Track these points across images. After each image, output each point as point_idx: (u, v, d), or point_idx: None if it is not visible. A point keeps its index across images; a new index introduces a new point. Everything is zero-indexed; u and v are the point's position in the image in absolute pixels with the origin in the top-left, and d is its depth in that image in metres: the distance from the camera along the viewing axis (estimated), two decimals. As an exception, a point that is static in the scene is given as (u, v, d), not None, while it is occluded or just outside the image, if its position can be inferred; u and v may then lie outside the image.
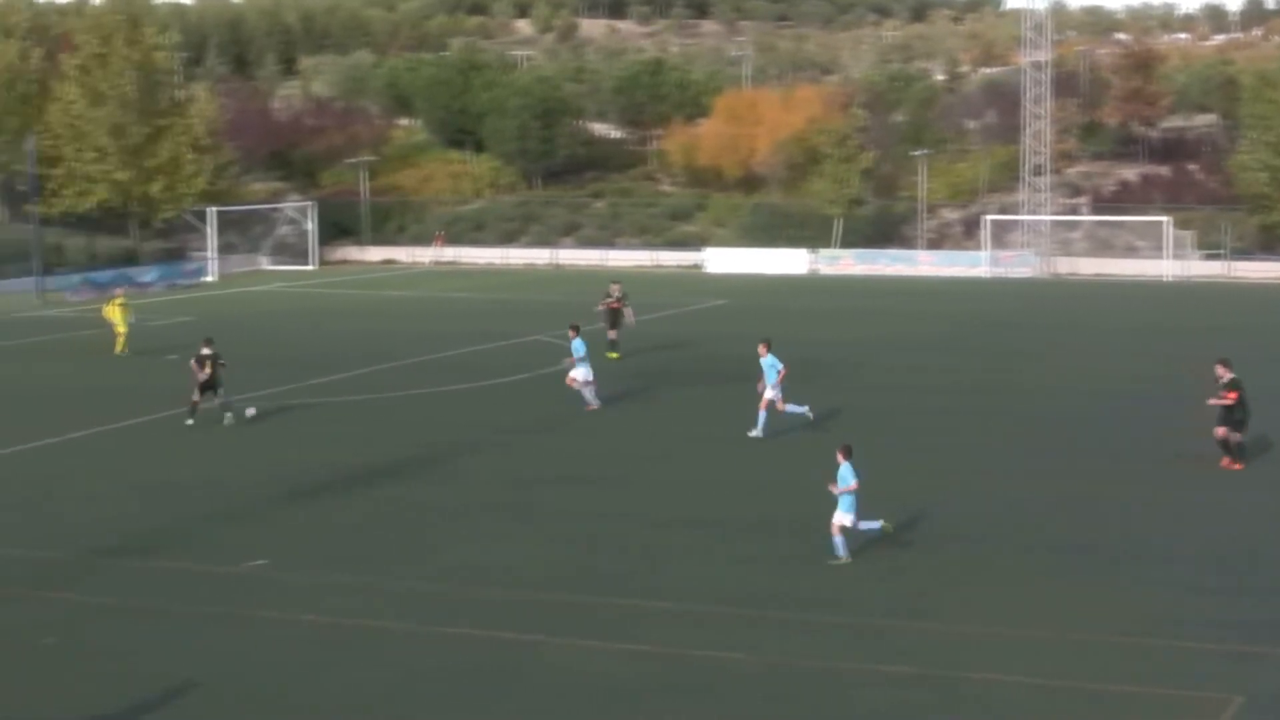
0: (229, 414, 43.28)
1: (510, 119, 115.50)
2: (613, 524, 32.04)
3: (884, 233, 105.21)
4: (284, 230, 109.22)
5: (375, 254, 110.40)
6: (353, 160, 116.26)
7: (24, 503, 34.54)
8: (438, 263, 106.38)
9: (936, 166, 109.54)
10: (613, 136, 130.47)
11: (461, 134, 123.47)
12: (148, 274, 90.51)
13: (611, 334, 56.75)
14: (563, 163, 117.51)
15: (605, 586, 27.25)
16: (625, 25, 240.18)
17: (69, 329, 67.59)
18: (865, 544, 29.38)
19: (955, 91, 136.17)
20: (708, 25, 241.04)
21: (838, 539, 28.48)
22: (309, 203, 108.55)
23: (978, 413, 45.44)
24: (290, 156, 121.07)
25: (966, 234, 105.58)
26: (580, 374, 44.75)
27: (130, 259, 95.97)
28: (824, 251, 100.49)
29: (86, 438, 41.74)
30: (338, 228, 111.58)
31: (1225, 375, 36.99)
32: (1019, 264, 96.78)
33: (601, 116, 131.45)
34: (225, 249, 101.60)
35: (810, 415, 41.01)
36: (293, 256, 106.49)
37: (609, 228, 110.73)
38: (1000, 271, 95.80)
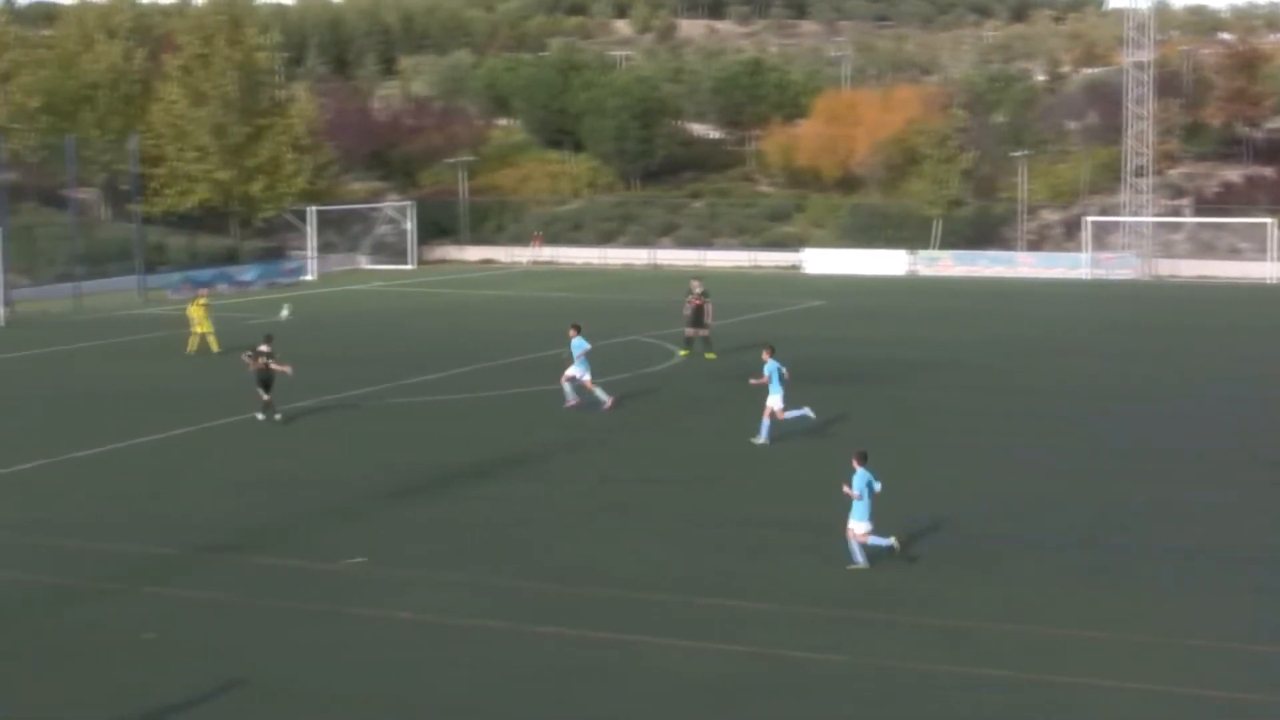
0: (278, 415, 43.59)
1: (609, 119, 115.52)
2: (710, 524, 31.95)
3: (983, 234, 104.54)
4: (383, 230, 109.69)
5: (473, 254, 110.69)
6: (451, 160, 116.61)
7: (127, 498, 34.80)
8: (535, 263, 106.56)
9: (1037, 167, 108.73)
10: (711, 137, 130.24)
11: (560, 134, 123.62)
12: (247, 273, 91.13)
13: (692, 332, 57.07)
14: (661, 163, 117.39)
15: (703, 587, 27.15)
16: (724, 25, 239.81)
17: (170, 327, 68.02)
18: (962, 544, 29.18)
19: (1056, 92, 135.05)
20: (807, 25, 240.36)
21: (853, 544, 28.28)
22: (408, 202, 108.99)
23: (1076, 416, 45.01)
24: (389, 156, 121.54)
25: (1067, 235, 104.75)
26: (575, 372, 44.66)
27: (230, 258, 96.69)
28: (922, 253, 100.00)
29: (190, 434, 42.01)
30: (436, 227, 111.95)
31: None
32: (1120, 265, 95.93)
33: (700, 117, 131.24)
34: (324, 248, 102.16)
35: (811, 415, 40.42)
36: (391, 256, 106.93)
37: (707, 228, 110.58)
38: (1101, 273, 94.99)
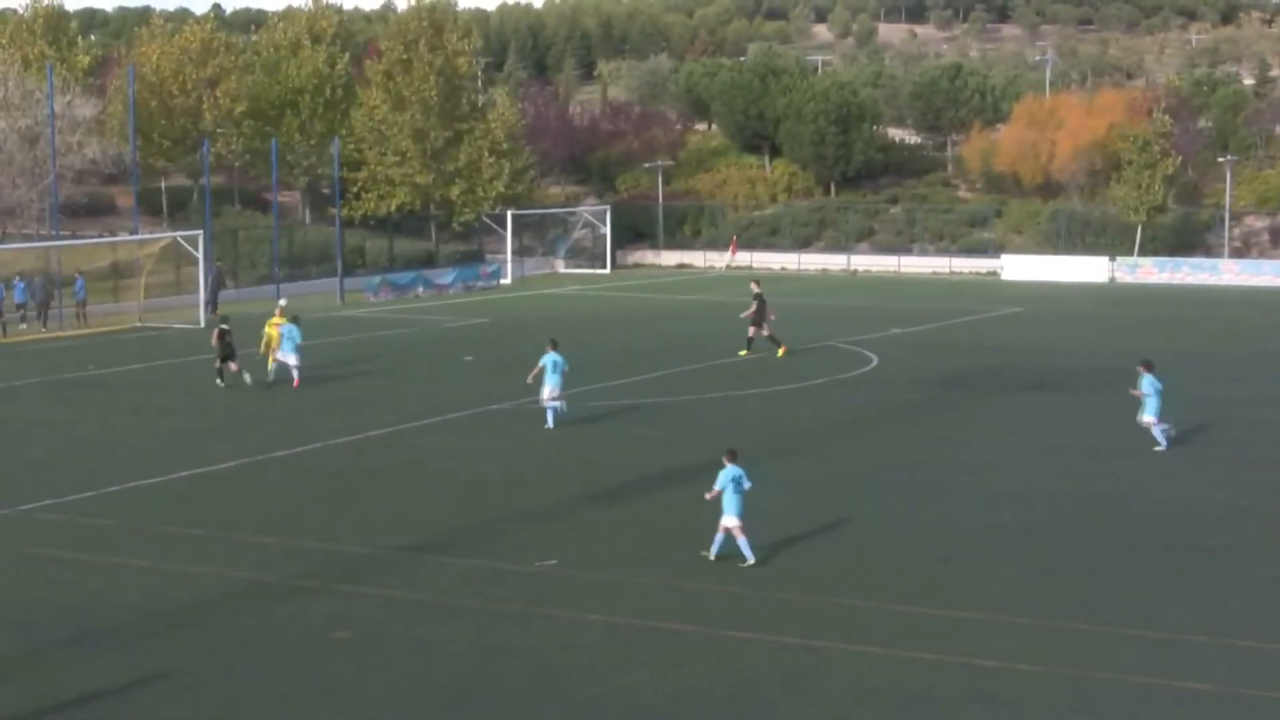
0: (247, 375, 50.48)
1: (807, 124, 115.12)
2: (913, 531, 31.65)
3: (1186, 240, 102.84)
4: (580, 233, 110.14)
5: (669, 258, 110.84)
6: (649, 164, 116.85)
7: (325, 496, 35.17)
8: (731, 267, 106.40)
9: (1243, 173, 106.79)
10: (910, 141, 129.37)
11: (758, 139, 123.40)
12: (446, 276, 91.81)
13: (754, 331, 58.43)
14: (859, 168, 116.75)
15: (901, 594, 26.84)
16: (924, 30, 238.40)
17: (369, 329, 68.73)
18: (1161, 554, 28.60)
19: (1265, 96, 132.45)
20: (1008, 29, 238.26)
21: (719, 536, 28.79)
22: (605, 206, 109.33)
23: (1285, 425, 44.08)
24: (587, 160, 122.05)
25: (1273, 242, 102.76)
26: (546, 391, 43.56)
27: (429, 261, 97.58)
28: (1123, 259, 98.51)
29: (388, 434, 42.37)
30: (633, 231, 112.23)
31: None
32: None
33: (899, 121, 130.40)
34: (521, 252, 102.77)
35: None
36: (588, 260, 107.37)
37: (904, 233, 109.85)
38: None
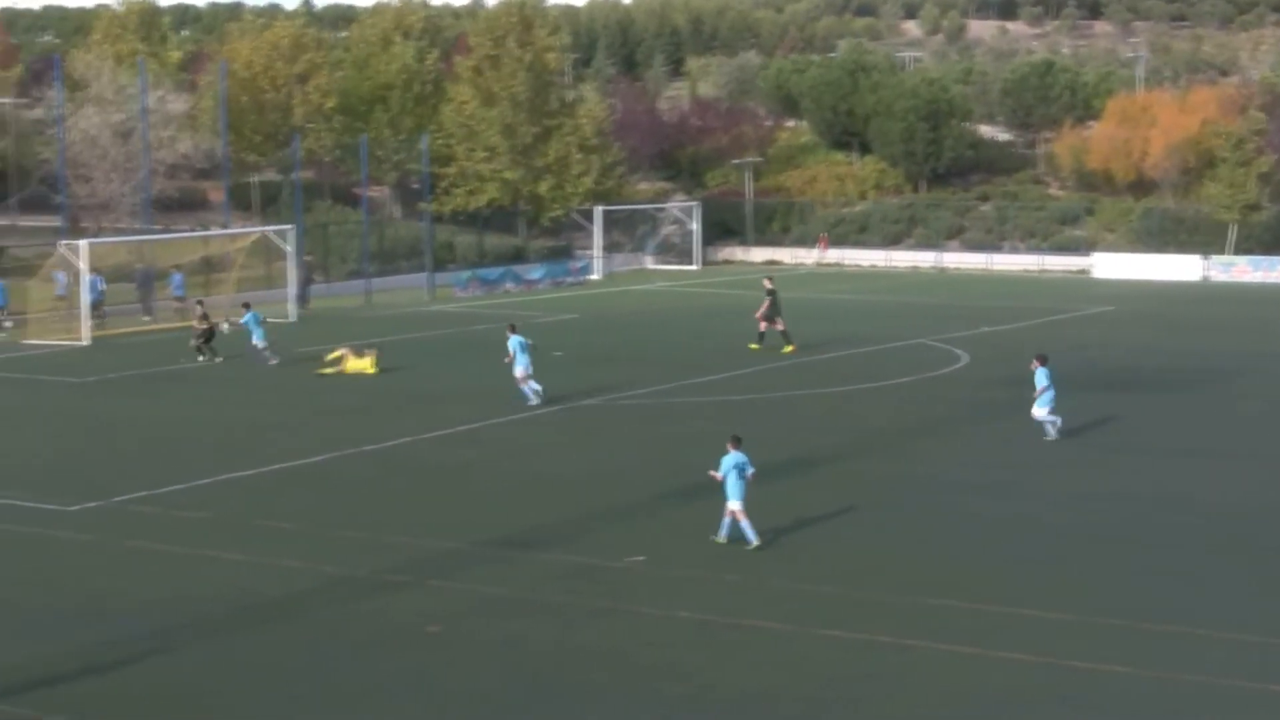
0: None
1: (897, 121, 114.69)
2: (994, 530, 31.50)
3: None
4: (668, 230, 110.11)
5: (758, 254, 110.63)
6: (738, 161, 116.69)
7: (414, 491, 35.32)
8: (821, 264, 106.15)
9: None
10: (1000, 139, 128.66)
11: (847, 135, 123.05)
12: (534, 271, 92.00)
13: (769, 325, 59.26)
14: (949, 165, 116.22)
15: (988, 592, 26.71)
16: (1015, 26, 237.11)
17: (457, 324, 68.93)
18: (1254, 560, 28.38)
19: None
20: (1100, 26, 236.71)
21: (728, 521, 29.65)
22: (693, 203, 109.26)
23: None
24: (676, 156, 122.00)
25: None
26: (519, 371, 46.03)
27: (517, 257, 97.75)
28: (1217, 258, 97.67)
29: (477, 429, 42.47)
30: (721, 228, 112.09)
31: None
32: None
33: (989, 118, 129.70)
34: (610, 248, 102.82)
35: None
36: (676, 256, 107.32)
37: (995, 231, 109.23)
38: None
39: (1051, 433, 40.45)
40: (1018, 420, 42.73)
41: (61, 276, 66.07)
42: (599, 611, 25.82)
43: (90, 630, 24.88)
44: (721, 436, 31.07)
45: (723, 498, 29.79)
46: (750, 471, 29.84)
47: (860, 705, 21.78)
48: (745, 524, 29.51)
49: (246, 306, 56.87)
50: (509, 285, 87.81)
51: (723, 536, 29.79)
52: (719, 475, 29.73)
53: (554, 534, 31.04)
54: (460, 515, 32.74)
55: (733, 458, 29.79)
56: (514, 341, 46.18)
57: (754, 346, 58.38)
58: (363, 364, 53.21)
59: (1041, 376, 40.48)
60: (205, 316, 57.30)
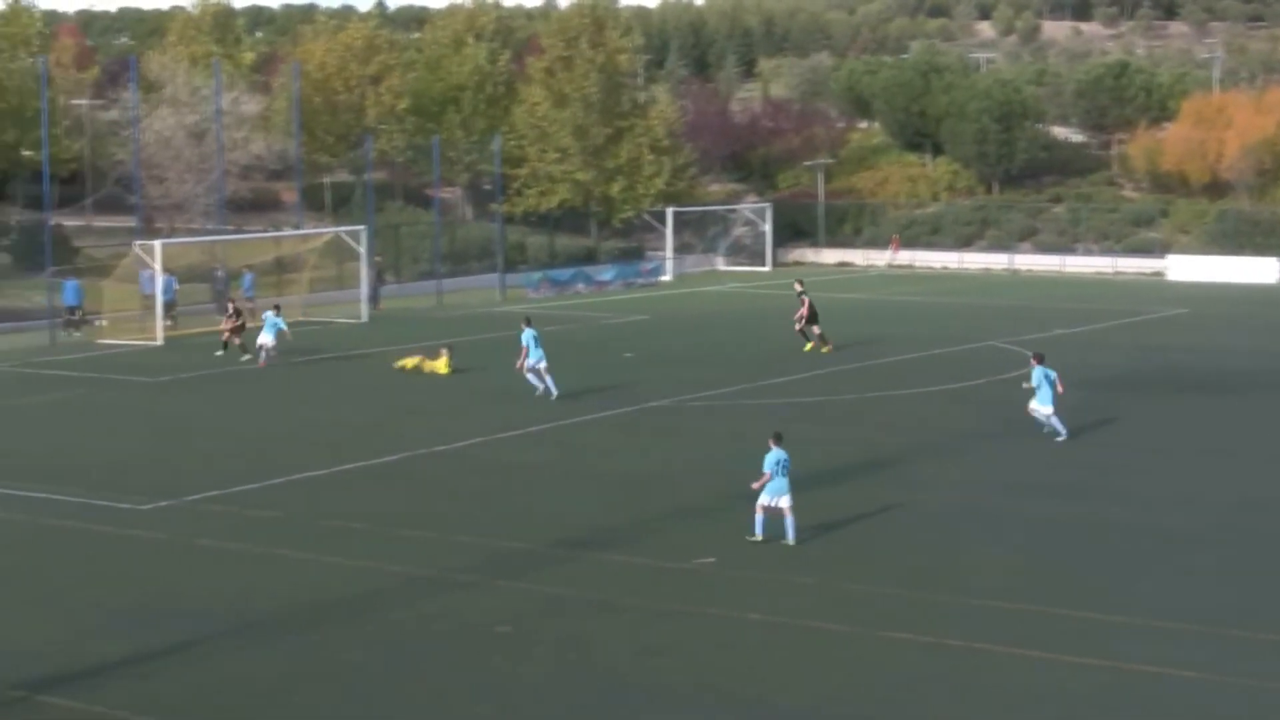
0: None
1: (969, 122, 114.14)
2: (1066, 533, 31.32)
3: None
4: (740, 231, 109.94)
5: (829, 256, 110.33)
6: (810, 162, 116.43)
7: (485, 491, 35.38)
8: (892, 266, 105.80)
9: None
10: (1073, 140, 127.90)
11: (920, 137, 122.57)
12: (605, 273, 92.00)
13: (808, 327, 59.02)
14: (1021, 166, 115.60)
15: (1061, 597, 26.55)
16: (1090, 27, 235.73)
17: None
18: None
19: None
20: (1176, 26, 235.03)
21: (759, 517, 30.24)
22: (765, 204, 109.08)
23: None
24: (748, 158, 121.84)
25: None
26: (531, 362, 47.30)
27: (589, 258, 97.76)
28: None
29: (548, 430, 42.50)
30: (793, 229, 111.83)
31: None
32: None
33: (1062, 120, 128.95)
34: (681, 249, 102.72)
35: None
36: (748, 257, 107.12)
37: (1068, 233, 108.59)
38: None
39: (1058, 429, 40.38)
40: (1087, 423, 42.49)
41: (147, 275, 66.41)
42: (669, 613, 25.79)
43: (167, 628, 25.02)
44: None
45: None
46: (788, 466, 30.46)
47: (931, 708, 21.67)
48: (790, 520, 30.06)
49: (277, 309, 57.60)
50: (580, 286, 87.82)
51: (759, 533, 30.21)
52: (766, 474, 30.21)
53: (623, 535, 31.04)
54: (530, 516, 32.78)
55: (775, 454, 30.34)
56: (527, 335, 47.35)
57: (809, 348, 58.07)
58: (436, 365, 53.45)
59: (1037, 375, 40.42)
60: (237, 313, 58.30)
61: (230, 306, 59.39)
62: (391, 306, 75.87)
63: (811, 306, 58.96)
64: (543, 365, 47.10)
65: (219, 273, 72.36)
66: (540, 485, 35.93)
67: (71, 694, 21.97)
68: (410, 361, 54.15)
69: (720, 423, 43.99)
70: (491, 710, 21.61)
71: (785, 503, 30.13)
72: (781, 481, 30.20)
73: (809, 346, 58.35)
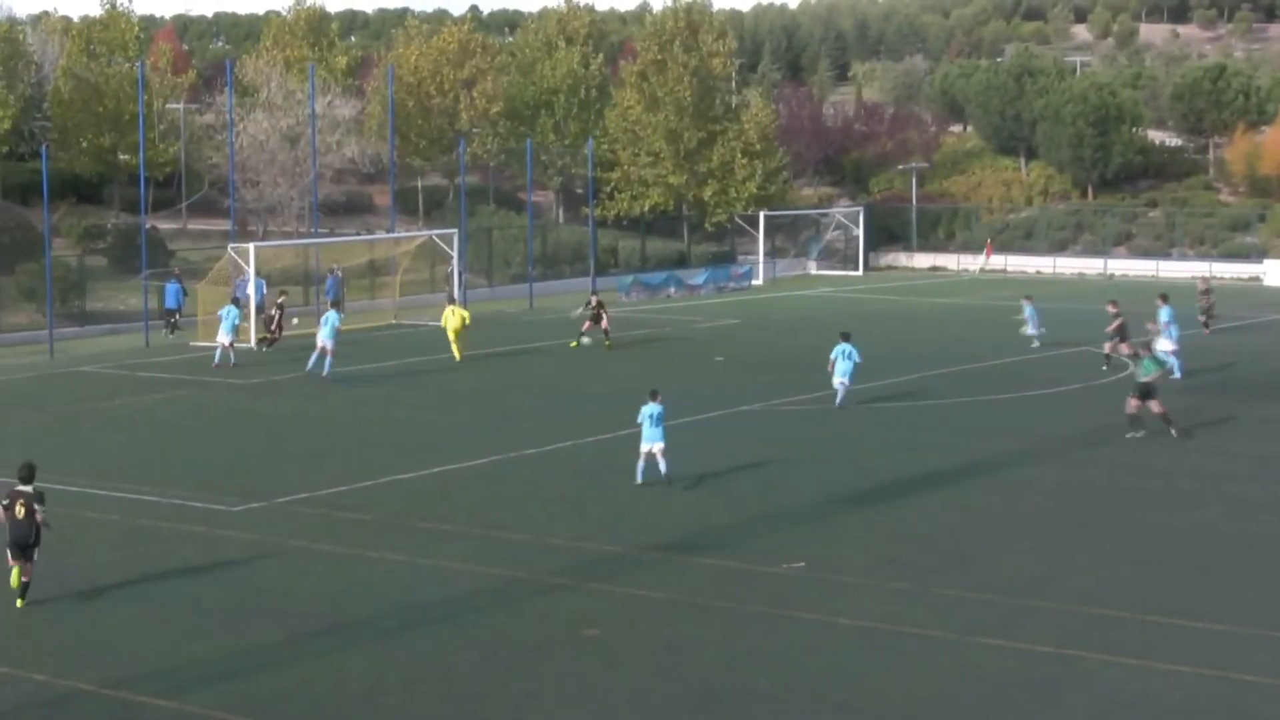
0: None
1: (1065, 126, 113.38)
2: (1169, 541, 31.05)
3: None
4: (832, 235, 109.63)
5: (922, 260, 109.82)
6: (903, 166, 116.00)
7: (576, 495, 35.40)
8: (985, 270, 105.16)
9: None
10: (1170, 144, 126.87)
11: (1014, 140, 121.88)
12: (697, 276, 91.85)
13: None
14: (1117, 170, 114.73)
15: (1157, 604, 26.31)
16: (1187, 30, 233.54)
17: (621, 329, 68.94)
18: None
19: None
20: (1275, 29, 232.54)
21: (639, 464, 35.61)
22: (858, 208, 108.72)
23: None
24: (841, 162, 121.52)
25: None
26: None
27: (680, 262, 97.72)
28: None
29: (637, 434, 42.37)
30: (885, 234, 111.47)
31: None
32: None
33: (1159, 123, 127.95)
34: (774, 253, 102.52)
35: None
36: (840, 261, 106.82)
37: (1163, 238, 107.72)
38: None
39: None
40: (1186, 428, 42.11)
41: (242, 283, 66.76)
42: (759, 617, 25.71)
43: (260, 628, 25.18)
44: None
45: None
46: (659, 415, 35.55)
47: (1022, 715, 21.53)
48: (663, 461, 35.28)
49: (336, 305, 58.49)
50: (672, 290, 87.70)
51: (640, 478, 35.44)
52: (638, 423, 35.74)
53: (715, 539, 30.99)
54: (621, 519, 32.77)
55: (649, 408, 35.55)
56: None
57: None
58: (454, 321, 57.67)
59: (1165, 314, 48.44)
60: (279, 307, 61.79)
61: (276, 309, 62.19)
62: (483, 310, 75.99)
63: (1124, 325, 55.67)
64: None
65: (332, 277, 72.36)
66: (630, 489, 35.81)
67: (165, 693, 22.10)
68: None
69: (811, 427, 43.83)
70: (583, 713, 21.59)
71: (658, 449, 35.25)
72: (653, 430, 35.29)
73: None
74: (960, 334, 66.29)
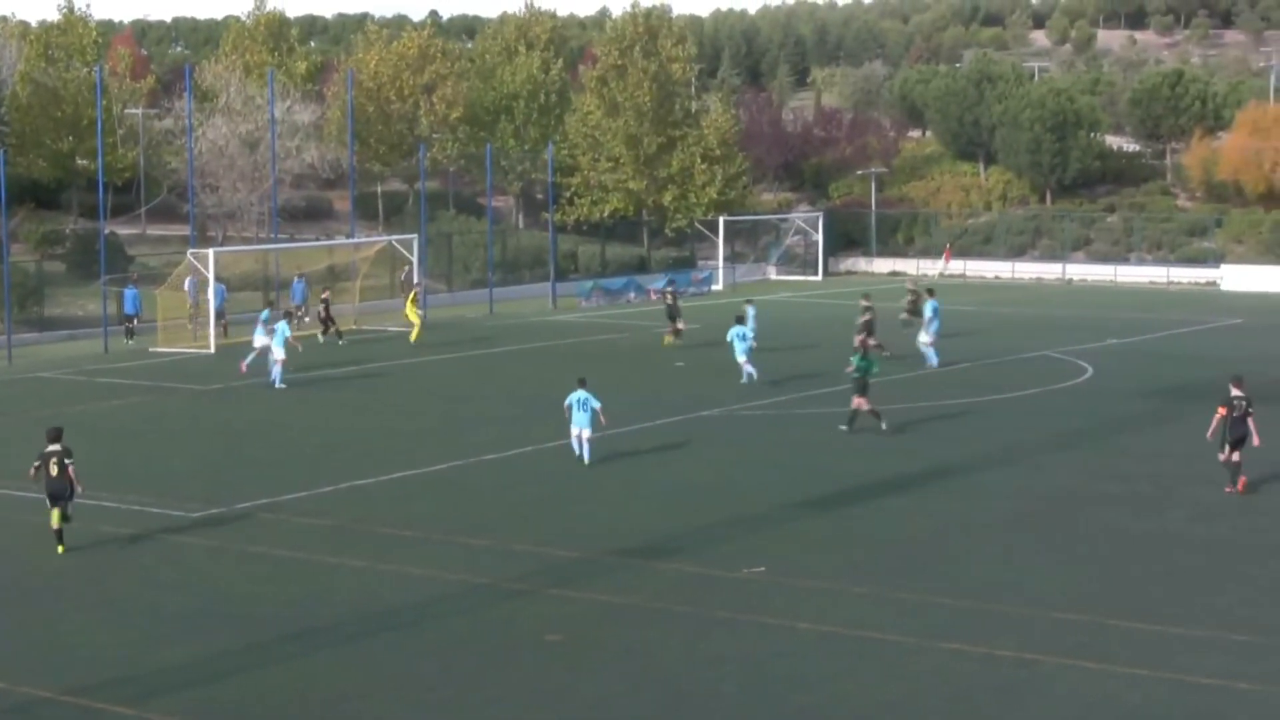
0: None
1: (1023, 131, 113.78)
2: (1129, 545, 31.12)
3: None
4: (792, 240, 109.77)
5: (881, 265, 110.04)
6: (863, 171, 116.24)
7: (537, 500, 35.34)
8: (944, 275, 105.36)
9: None
10: (1128, 149, 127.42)
11: (973, 146, 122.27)
12: (657, 281, 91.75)
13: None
14: (1075, 176, 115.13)
15: (1118, 608, 26.38)
16: (1145, 36, 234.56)
17: (581, 334, 68.98)
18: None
19: None
20: (1231, 35, 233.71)
21: (574, 442, 38.64)
22: (817, 213, 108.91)
23: None
24: (800, 167, 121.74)
25: None
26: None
27: (641, 267, 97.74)
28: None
29: (599, 440, 42.22)
30: (845, 238, 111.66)
31: None
32: None
33: (1117, 129, 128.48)
34: (733, 258, 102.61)
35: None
36: (800, 267, 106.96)
37: (1122, 243, 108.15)
38: None
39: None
40: (1144, 433, 42.29)
41: (191, 282, 66.57)
42: (722, 622, 25.72)
43: (221, 634, 25.08)
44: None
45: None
46: (595, 404, 38.38)
47: (984, 718, 21.54)
48: (587, 446, 38.31)
49: (288, 315, 57.46)
50: (632, 295, 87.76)
51: (585, 459, 38.41)
52: (566, 405, 38.70)
53: (676, 544, 30.97)
54: (582, 524, 32.73)
55: (577, 394, 38.42)
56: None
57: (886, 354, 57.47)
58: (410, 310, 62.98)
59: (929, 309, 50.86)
60: (324, 303, 64.81)
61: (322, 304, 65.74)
62: (443, 315, 75.91)
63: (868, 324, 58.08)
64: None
65: (298, 283, 72.14)
66: (592, 494, 35.83)
67: (125, 700, 22.02)
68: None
69: (771, 432, 43.87)
70: (546, 718, 21.56)
71: (586, 433, 38.30)
72: (580, 415, 38.18)
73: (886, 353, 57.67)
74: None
